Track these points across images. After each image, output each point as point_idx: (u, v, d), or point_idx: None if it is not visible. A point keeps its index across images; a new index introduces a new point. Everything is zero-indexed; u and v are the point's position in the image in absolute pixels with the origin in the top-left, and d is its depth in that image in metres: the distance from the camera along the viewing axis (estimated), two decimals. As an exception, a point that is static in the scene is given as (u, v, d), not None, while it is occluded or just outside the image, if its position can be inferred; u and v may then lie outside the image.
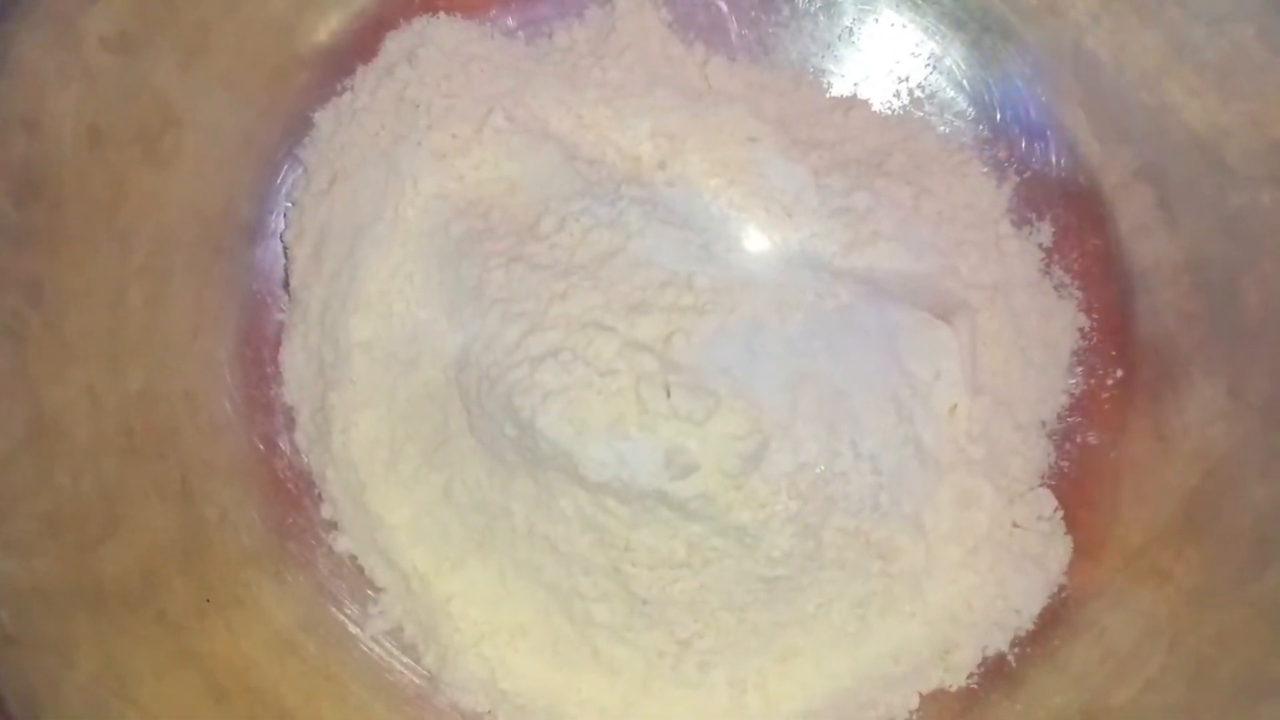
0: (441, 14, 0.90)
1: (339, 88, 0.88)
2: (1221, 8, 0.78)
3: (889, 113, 0.92)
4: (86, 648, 0.72)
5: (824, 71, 0.92)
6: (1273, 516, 0.76)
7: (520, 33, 0.91)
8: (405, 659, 0.85)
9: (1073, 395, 0.88)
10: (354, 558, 0.86)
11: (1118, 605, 0.81)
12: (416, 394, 0.85)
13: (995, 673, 0.83)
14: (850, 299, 0.82)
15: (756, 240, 0.85)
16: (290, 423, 0.87)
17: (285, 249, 0.88)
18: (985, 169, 0.90)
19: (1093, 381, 0.87)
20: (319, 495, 0.87)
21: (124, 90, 0.77)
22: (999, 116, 0.90)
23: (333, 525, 0.86)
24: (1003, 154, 0.90)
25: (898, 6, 0.91)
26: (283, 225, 0.89)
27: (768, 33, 0.92)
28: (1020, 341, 0.87)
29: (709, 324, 0.80)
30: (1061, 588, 0.83)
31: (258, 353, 0.87)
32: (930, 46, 0.91)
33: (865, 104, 0.91)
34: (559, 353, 0.77)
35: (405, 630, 0.85)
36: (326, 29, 0.88)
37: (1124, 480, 0.84)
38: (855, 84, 0.92)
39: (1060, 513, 0.85)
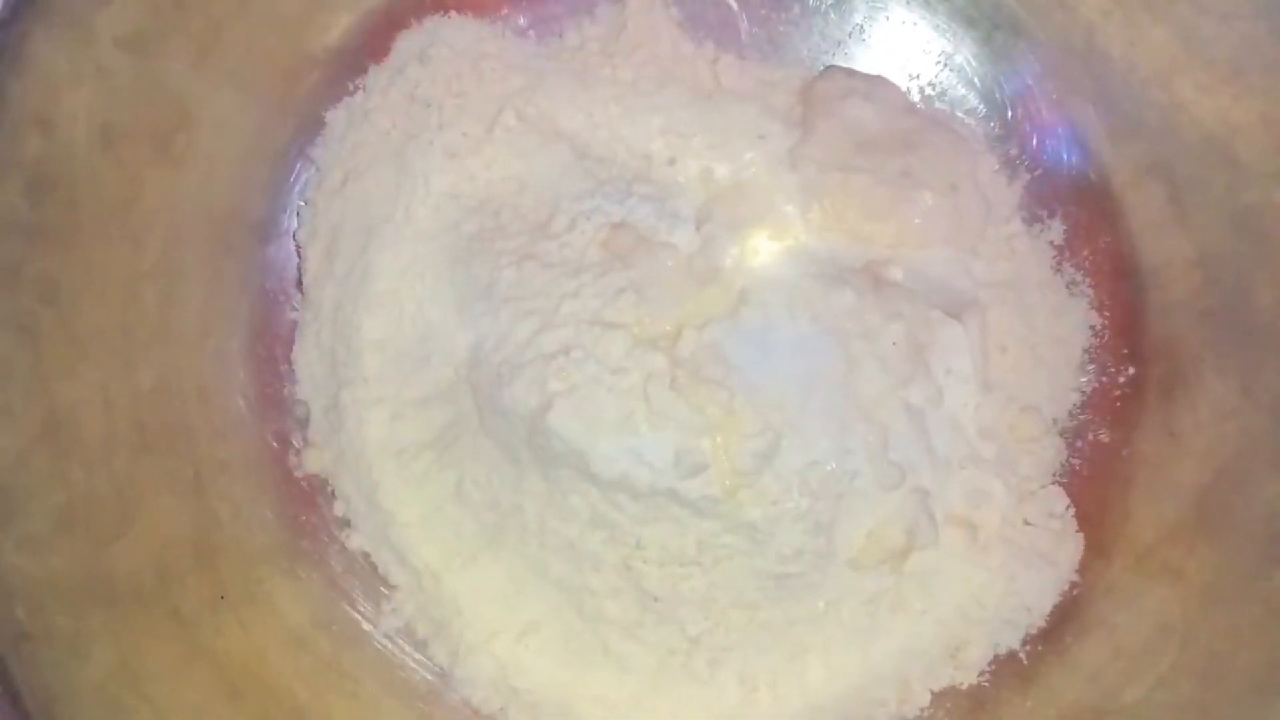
0: (453, 13, 0.90)
1: (351, 87, 0.89)
2: (1232, 4, 0.78)
3: (900, 111, 0.92)
4: (100, 644, 0.72)
5: (835, 70, 0.92)
6: (1284, 514, 0.76)
7: (531, 31, 0.91)
8: (417, 656, 0.85)
9: (1084, 393, 0.88)
10: (366, 555, 0.87)
11: (1129, 603, 0.81)
12: (428, 392, 0.85)
13: (1007, 670, 0.83)
14: (860, 297, 0.82)
15: (767, 238, 0.85)
16: (303, 420, 0.88)
17: (298, 247, 0.88)
18: (996, 167, 0.90)
19: (1104, 379, 0.87)
20: (332, 493, 0.87)
21: (137, 89, 0.77)
22: (1010, 114, 0.90)
23: (345, 523, 0.87)
24: (1014, 151, 0.90)
25: (909, 4, 0.91)
26: (295, 224, 0.89)
27: (778, 31, 0.92)
28: (1031, 339, 0.87)
29: (720, 322, 0.80)
30: (1073, 585, 0.83)
31: (270, 351, 0.88)
32: (941, 44, 0.91)
33: (876, 102, 0.91)
34: (570, 351, 0.78)
35: (417, 627, 0.85)
36: (338, 28, 0.88)
37: (1135, 478, 0.84)
38: (866, 82, 0.92)
39: (1072, 510, 0.85)
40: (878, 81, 0.89)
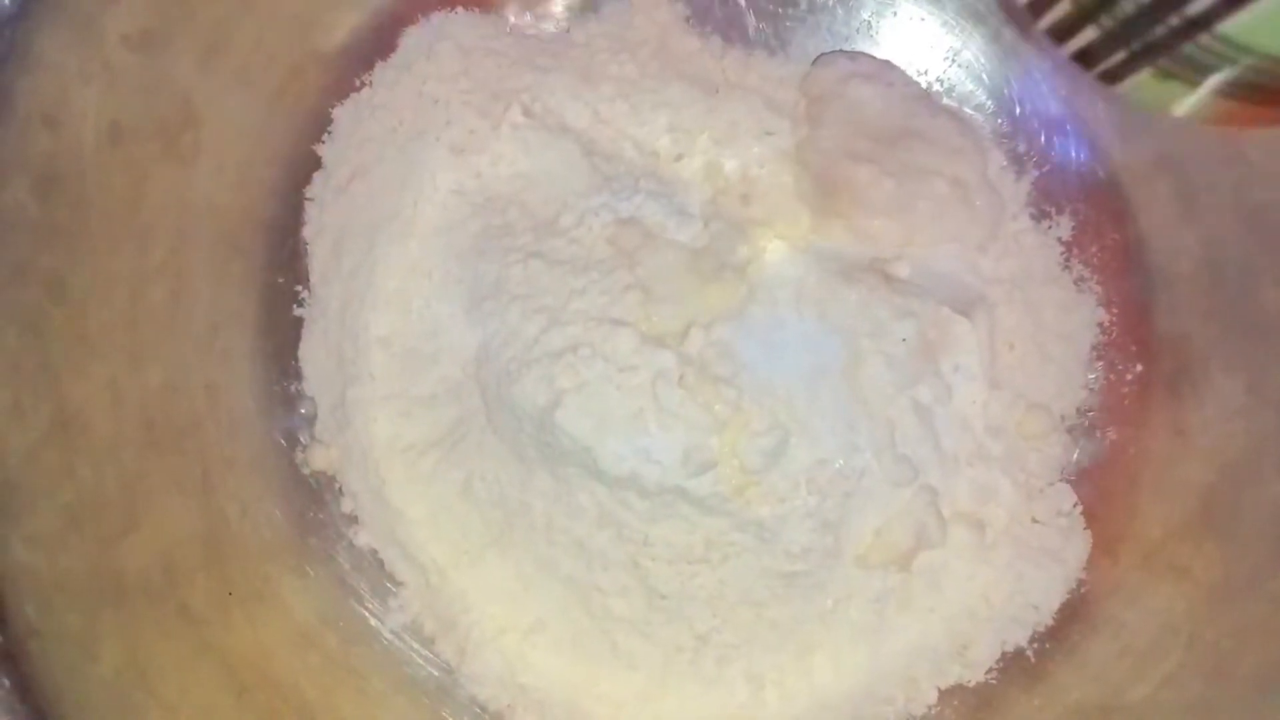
0: (459, 9, 0.90)
1: (357, 84, 0.88)
2: None
3: (907, 107, 0.91)
4: (109, 641, 0.72)
5: (842, 66, 0.92)
6: (1292, 513, 0.76)
7: (538, 27, 0.91)
8: (425, 652, 0.86)
9: (1092, 390, 0.87)
10: (374, 552, 0.87)
11: (1136, 601, 0.81)
12: (436, 390, 0.85)
13: (1014, 668, 0.83)
14: (868, 294, 0.82)
15: (774, 235, 0.85)
16: (310, 417, 0.88)
17: (305, 245, 0.88)
18: (1004, 162, 0.89)
19: (1112, 376, 0.87)
20: (339, 490, 0.88)
21: (145, 87, 0.77)
22: (1018, 110, 0.90)
23: (353, 520, 0.87)
24: (1022, 147, 0.90)
25: None
26: (302, 221, 0.89)
27: (785, 26, 0.91)
28: (1039, 336, 0.87)
29: (727, 319, 0.80)
30: (1080, 583, 0.83)
31: (278, 348, 0.87)
32: (949, 40, 0.91)
33: (883, 98, 0.91)
34: (578, 348, 0.78)
35: (425, 624, 0.86)
36: (344, 25, 0.88)
37: (1143, 476, 0.84)
38: (873, 78, 0.92)
39: (1079, 508, 0.85)
40: (882, 65, 0.89)
